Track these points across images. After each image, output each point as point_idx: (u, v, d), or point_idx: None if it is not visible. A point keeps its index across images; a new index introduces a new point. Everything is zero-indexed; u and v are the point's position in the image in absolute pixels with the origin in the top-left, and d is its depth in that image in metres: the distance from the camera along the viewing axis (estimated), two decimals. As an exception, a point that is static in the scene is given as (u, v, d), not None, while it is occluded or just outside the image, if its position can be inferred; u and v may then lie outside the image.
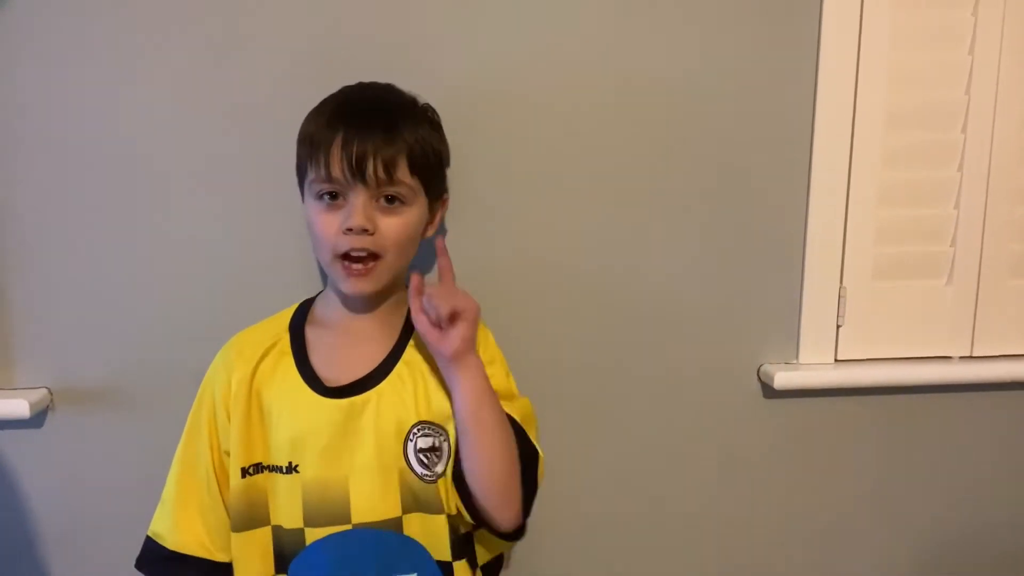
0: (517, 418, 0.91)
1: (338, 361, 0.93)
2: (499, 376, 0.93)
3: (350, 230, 0.87)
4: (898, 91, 1.14)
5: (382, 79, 0.97)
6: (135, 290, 1.08)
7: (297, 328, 0.96)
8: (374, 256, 0.89)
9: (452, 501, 0.91)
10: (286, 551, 0.90)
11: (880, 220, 1.17)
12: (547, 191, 1.11)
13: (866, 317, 1.19)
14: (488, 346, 0.96)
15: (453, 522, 0.92)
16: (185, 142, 1.06)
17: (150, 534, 0.94)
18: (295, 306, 1.00)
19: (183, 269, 1.08)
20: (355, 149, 0.86)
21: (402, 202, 0.90)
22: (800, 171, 1.15)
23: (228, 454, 0.92)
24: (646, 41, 1.10)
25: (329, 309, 0.97)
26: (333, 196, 0.89)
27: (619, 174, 1.12)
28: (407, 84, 0.96)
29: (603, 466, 1.19)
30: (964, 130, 1.16)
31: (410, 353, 0.93)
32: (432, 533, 0.90)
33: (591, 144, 1.11)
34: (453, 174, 1.03)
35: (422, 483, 0.89)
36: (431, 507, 0.90)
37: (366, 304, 0.95)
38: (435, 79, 1.05)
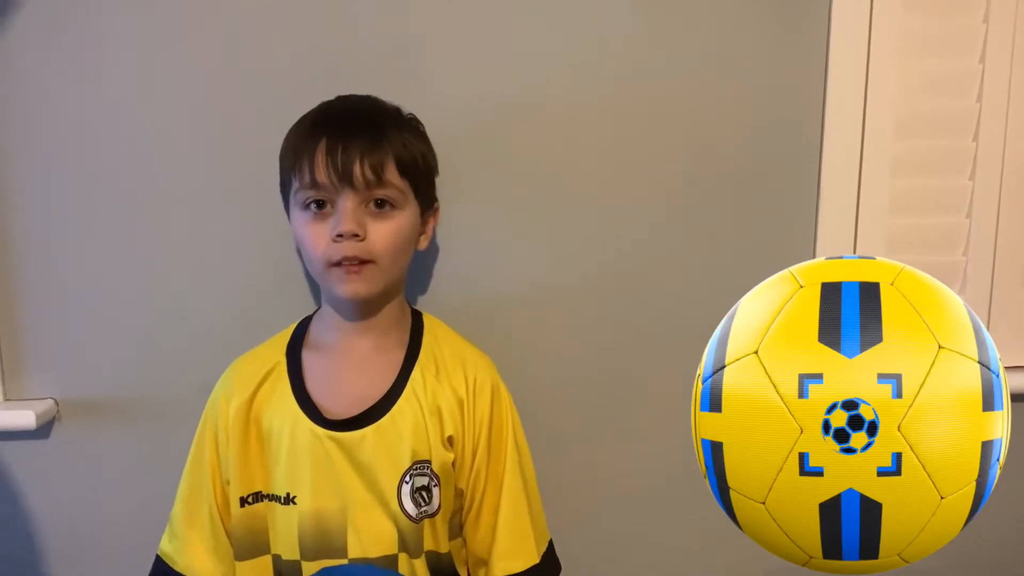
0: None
1: (337, 391, 0.91)
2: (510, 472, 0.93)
3: (340, 236, 0.85)
4: (908, 99, 1.13)
5: (400, 90, 0.98)
6: (142, 302, 1.08)
7: (294, 352, 0.94)
8: (366, 262, 0.87)
9: (439, 539, 0.90)
10: None
11: (891, 229, 1.16)
12: (552, 200, 1.11)
13: (878, 327, 1.18)
14: (501, 412, 0.95)
15: (435, 560, 0.90)
16: (194, 157, 1.06)
17: (160, 554, 0.93)
18: (293, 327, 0.98)
19: (190, 281, 1.08)
20: (340, 152, 0.84)
21: (392, 206, 0.88)
22: (810, 179, 1.14)
23: (229, 483, 0.91)
24: (653, 47, 1.09)
25: (325, 329, 0.95)
26: (320, 205, 0.87)
27: (627, 180, 1.12)
28: (419, 92, 0.96)
29: (611, 473, 1.18)
30: (976, 138, 1.15)
31: (411, 389, 0.90)
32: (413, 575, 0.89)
33: (598, 152, 1.11)
34: (461, 184, 1.03)
35: (411, 524, 0.87)
36: (413, 549, 0.88)
37: (362, 312, 0.93)
38: (438, 86, 1.05)
